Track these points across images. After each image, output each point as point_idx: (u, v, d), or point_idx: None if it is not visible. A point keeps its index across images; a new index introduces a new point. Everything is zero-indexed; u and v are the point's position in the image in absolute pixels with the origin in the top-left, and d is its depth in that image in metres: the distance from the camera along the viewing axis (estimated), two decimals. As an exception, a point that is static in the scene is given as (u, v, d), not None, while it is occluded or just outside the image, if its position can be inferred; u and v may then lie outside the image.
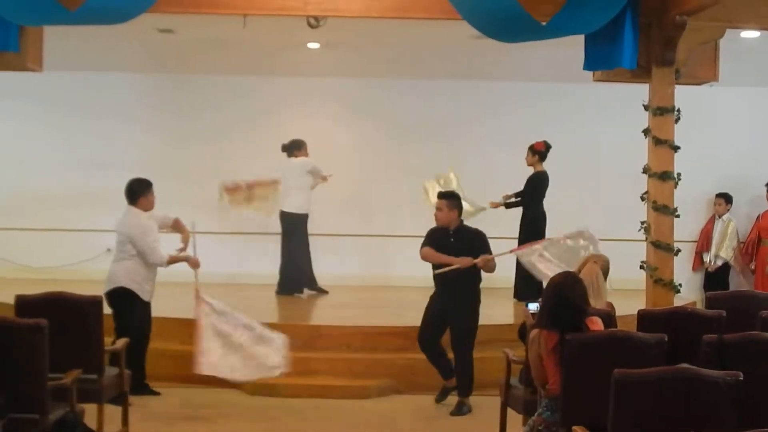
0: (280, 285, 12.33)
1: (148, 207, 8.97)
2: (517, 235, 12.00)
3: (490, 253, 8.74)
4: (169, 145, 13.76)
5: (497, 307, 11.87)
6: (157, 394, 9.03)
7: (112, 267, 8.94)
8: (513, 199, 12.19)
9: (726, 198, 13.66)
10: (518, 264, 11.88)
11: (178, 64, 13.43)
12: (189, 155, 13.60)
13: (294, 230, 12.17)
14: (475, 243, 8.78)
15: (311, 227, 12.49)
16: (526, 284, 11.82)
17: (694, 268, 14.06)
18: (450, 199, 8.90)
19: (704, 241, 13.86)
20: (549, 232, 12.58)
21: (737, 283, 13.64)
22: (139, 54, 13.06)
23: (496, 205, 12.15)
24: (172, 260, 8.95)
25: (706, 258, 13.77)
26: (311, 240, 12.48)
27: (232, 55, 12.96)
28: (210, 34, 11.90)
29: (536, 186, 12.07)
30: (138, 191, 8.95)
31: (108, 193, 13.53)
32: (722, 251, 13.54)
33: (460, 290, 8.77)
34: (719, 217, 13.71)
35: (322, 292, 12.46)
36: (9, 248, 13.61)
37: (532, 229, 11.93)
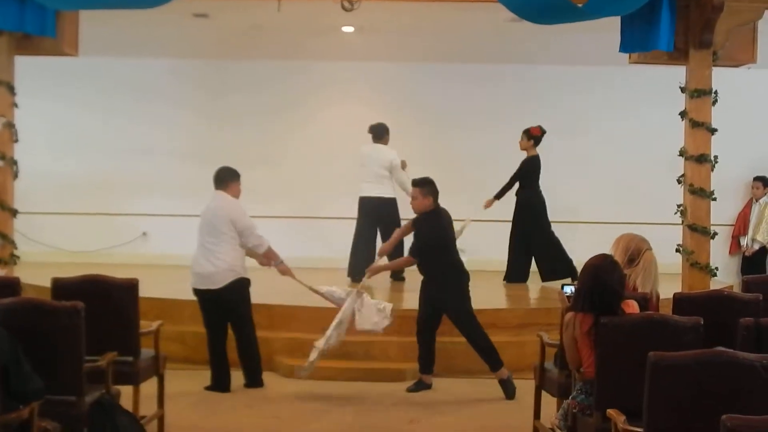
0: (351, 267, 12.05)
1: (237, 194, 8.91)
2: (510, 218, 12.09)
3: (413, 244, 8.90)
4: (207, 129, 13.85)
5: (530, 291, 11.90)
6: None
7: (213, 260, 8.68)
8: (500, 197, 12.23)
9: (763, 181, 13.54)
10: (510, 247, 12.00)
11: (214, 50, 13.47)
12: (226, 140, 13.64)
13: (386, 215, 11.89)
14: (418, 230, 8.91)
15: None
16: (517, 267, 11.91)
17: (730, 252, 13.98)
18: (423, 186, 8.83)
19: (741, 225, 13.77)
20: (570, 215, 12.64)
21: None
22: (175, 39, 13.10)
23: (489, 204, 12.19)
24: (271, 252, 8.94)
25: (743, 242, 13.66)
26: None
27: (267, 39, 12.97)
28: (245, 19, 11.91)
29: (528, 170, 12.07)
30: (227, 177, 8.88)
31: (145, 178, 13.74)
32: (759, 235, 13.43)
33: (438, 278, 8.79)
34: (756, 200, 13.60)
35: (399, 279, 12.28)
36: (46, 232, 13.73)
37: (526, 213, 11.98)
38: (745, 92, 12.99)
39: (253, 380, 8.91)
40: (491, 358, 8.77)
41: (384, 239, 11.75)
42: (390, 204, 11.91)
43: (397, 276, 12.20)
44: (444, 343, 9.02)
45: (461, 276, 8.87)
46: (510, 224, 12.25)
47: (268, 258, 9.00)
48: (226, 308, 8.81)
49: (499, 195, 12.20)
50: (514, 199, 12.20)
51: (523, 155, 12.13)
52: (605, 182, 13.67)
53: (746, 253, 13.58)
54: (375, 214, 11.92)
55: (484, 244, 12.88)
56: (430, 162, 13.32)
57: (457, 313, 8.83)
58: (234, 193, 8.89)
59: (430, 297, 8.87)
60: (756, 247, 13.46)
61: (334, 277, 11.31)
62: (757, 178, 13.59)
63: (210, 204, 8.86)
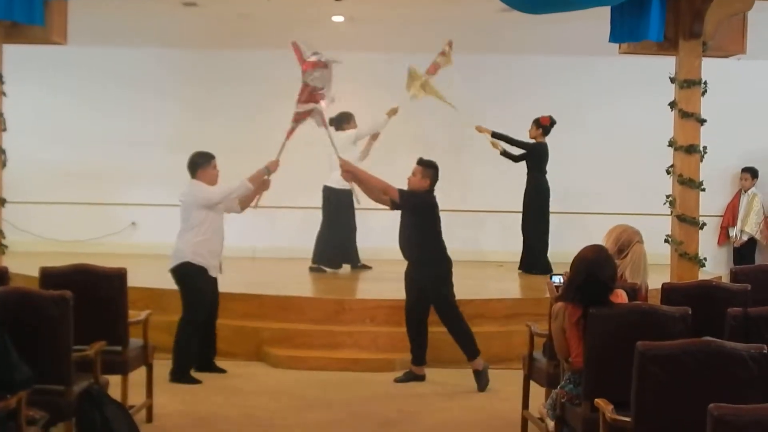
0: (315, 256, 12.17)
1: (211, 180, 8.82)
2: (521, 209, 12.14)
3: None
4: (196, 118, 13.78)
5: (520, 280, 11.92)
6: (223, 371, 9.05)
7: (176, 242, 8.79)
8: (508, 151, 12.24)
9: (752, 172, 13.56)
10: (524, 237, 12.04)
11: (203, 39, 13.42)
12: (215, 129, 13.59)
13: (337, 205, 12.03)
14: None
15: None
16: (531, 256, 11.95)
17: (719, 243, 13.98)
18: (427, 167, 8.82)
19: (730, 216, 13.78)
20: (561, 205, 12.69)
21: (764, 258, 13.58)
22: (164, 28, 13.05)
23: (481, 130, 12.26)
24: (254, 181, 8.90)
25: (732, 233, 13.68)
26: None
27: (256, 29, 12.92)
28: (234, 8, 11.87)
29: (537, 154, 12.13)
30: (199, 163, 8.82)
31: (134, 167, 13.71)
32: (747, 226, 13.46)
33: (421, 262, 8.77)
34: (745, 191, 13.63)
35: (366, 267, 12.39)
36: (34, 222, 13.67)
37: (536, 203, 12.02)
38: (734, 83, 12.99)
39: (173, 375, 8.66)
40: (468, 347, 8.75)
41: (327, 228, 11.87)
42: (344, 195, 11.96)
43: (364, 265, 12.34)
44: (432, 333, 9.02)
45: (444, 262, 8.81)
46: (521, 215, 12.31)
47: (257, 185, 9.00)
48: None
49: (496, 134, 12.23)
50: (517, 188, 12.26)
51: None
52: (595, 173, 13.68)
53: (735, 245, 13.60)
54: (329, 203, 12.11)
55: (481, 234, 12.93)
56: (418, 152, 13.31)
57: (437, 297, 8.79)
58: (208, 179, 8.80)
59: (412, 280, 8.85)
60: (745, 238, 13.50)
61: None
62: (745, 170, 13.61)
63: (182, 193, 8.87)
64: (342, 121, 12.05)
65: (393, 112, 11.75)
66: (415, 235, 8.76)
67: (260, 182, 9.00)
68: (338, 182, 11.87)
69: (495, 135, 12.20)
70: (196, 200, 8.69)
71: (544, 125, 12.09)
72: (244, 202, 9.14)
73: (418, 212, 8.75)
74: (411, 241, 8.80)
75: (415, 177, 8.81)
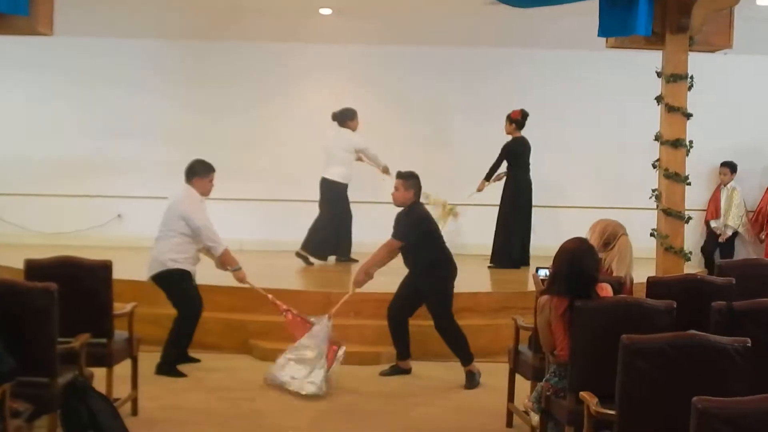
0: (304, 242, 12.14)
1: (204, 191, 8.84)
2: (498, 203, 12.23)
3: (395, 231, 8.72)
4: (183, 111, 13.73)
5: (507, 275, 11.91)
6: (197, 361, 9.06)
7: (152, 250, 8.82)
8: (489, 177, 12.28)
9: (731, 166, 13.54)
10: (498, 231, 12.05)
11: (191, 31, 13.38)
12: (203, 122, 13.58)
13: (334, 199, 12.05)
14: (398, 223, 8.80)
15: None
16: (505, 250, 11.97)
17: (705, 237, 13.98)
18: (407, 179, 8.76)
19: (713, 210, 13.74)
20: (546, 199, 12.71)
21: (745, 252, 13.60)
22: (152, 20, 13.02)
23: (481, 187, 12.31)
24: (227, 256, 8.84)
25: (714, 225, 13.64)
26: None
27: (244, 22, 12.91)
28: (222, 1, 11.84)
29: (513, 152, 12.13)
30: (197, 171, 8.82)
31: (120, 160, 13.66)
32: (730, 220, 13.46)
33: (426, 269, 8.73)
34: (724, 185, 13.61)
35: (352, 261, 12.34)
36: (21, 214, 13.63)
37: (518, 199, 12.02)
38: (721, 78, 13.02)
39: (159, 368, 8.68)
40: (463, 353, 8.73)
41: (322, 220, 11.87)
42: (340, 189, 12.01)
43: (351, 258, 12.31)
44: (419, 326, 9.01)
45: (447, 267, 8.78)
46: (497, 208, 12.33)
47: (223, 263, 8.93)
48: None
49: (488, 176, 12.26)
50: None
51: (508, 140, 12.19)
52: (581, 167, 13.71)
53: (721, 239, 13.60)
54: (326, 195, 12.10)
55: (467, 228, 12.92)
56: (407, 146, 13.33)
57: (436, 306, 8.75)
58: (201, 189, 8.82)
59: (412, 284, 8.80)
60: (729, 232, 13.51)
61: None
62: (724, 164, 13.56)
63: (173, 196, 8.87)
64: (345, 117, 12.05)
65: (386, 171, 11.87)
66: (418, 252, 8.71)
67: (228, 264, 8.94)
68: (335, 175, 11.89)
69: (488, 177, 12.28)
70: (182, 213, 8.70)
71: (516, 119, 12.07)
72: (217, 261, 9.04)
73: (418, 235, 8.70)
74: (414, 257, 8.76)
75: (398, 192, 8.76)
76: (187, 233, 8.70)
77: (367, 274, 8.77)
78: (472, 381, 8.63)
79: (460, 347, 8.73)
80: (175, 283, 8.78)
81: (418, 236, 8.68)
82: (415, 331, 9.02)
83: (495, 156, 12.16)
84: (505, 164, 12.25)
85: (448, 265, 8.79)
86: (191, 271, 8.85)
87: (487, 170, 12.25)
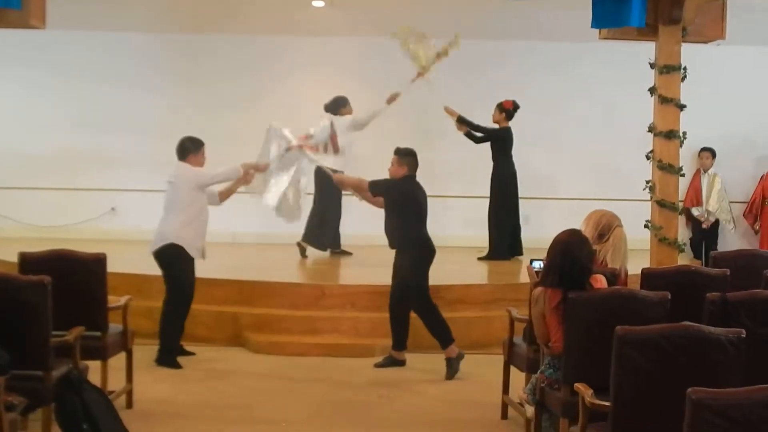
0: (305, 234, 12.09)
1: (199, 165, 8.87)
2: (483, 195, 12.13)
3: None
4: (175, 104, 13.70)
5: (498, 266, 11.92)
6: (192, 354, 9.03)
7: (159, 225, 8.79)
8: (472, 132, 12.22)
9: (712, 152, 13.49)
10: (490, 224, 12.05)
11: (182, 24, 13.36)
12: (195, 114, 13.51)
13: (329, 188, 11.92)
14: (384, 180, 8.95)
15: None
16: (498, 243, 11.97)
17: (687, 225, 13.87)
18: (402, 156, 8.88)
19: (693, 197, 13.63)
20: (540, 190, 12.70)
21: (727, 240, 13.57)
22: (143, 13, 12.99)
23: (449, 112, 12.25)
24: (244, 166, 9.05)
25: (696, 213, 13.57)
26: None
27: (235, 14, 12.88)
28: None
29: (501, 139, 12.10)
30: (189, 147, 8.86)
31: (113, 153, 13.64)
32: (711, 206, 13.39)
33: (404, 249, 8.78)
34: (705, 171, 13.55)
35: (346, 253, 12.38)
36: (14, 208, 13.62)
37: (505, 189, 12.00)
38: (714, 69, 13.01)
39: (159, 358, 8.72)
40: (441, 335, 8.74)
41: (320, 209, 11.87)
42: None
43: (344, 251, 12.31)
44: (413, 318, 9.02)
45: (423, 249, 8.80)
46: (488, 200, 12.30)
47: (246, 178, 9.11)
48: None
49: (462, 119, 12.18)
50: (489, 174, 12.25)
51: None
52: (575, 158, 13.70)
53: (704, 226, 13.52)
54: (322, 184, 11.98)
55: (457, 220, 12.92)
56: (400, 139, 13.27)
57: (411, 285, 8.77)
58: (196, 164, 8.85)
59: (395, 266, 8.85)
60: (712, 219, 13.44)
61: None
62: (705, 149, 13.41)
63: (172, 176, 8.83)
64: (338, 105, 12.00)
65: (393, 98, 11.73)
66: (394, 222, 8.77)
67: (243, 175, 8.99)
68: (331, 165, 11.83)
69: (461, 119, 12.17)
70: (186, 181, 8.70)
71: (507, 109, 12.06)
72: (224, 194, 9.12)
73: (393, 199, 8.78)
74: (391, 228, 8.82)
75: (393, 167, 8.88)
76: (194, 205, 8.70)
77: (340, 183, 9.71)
78: (451, 367, 8.59)
79: (436, 330, 8.73)
80: (175, 261, 8.73)
81: (389, 195, 8.79)
82: (411, 323, 9.02)
83: (488, 150, 12.14)
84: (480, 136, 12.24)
85: (423, 248, 8.80)
86: (193, 257, 8.83)
87: (475, 142, 12.25)
